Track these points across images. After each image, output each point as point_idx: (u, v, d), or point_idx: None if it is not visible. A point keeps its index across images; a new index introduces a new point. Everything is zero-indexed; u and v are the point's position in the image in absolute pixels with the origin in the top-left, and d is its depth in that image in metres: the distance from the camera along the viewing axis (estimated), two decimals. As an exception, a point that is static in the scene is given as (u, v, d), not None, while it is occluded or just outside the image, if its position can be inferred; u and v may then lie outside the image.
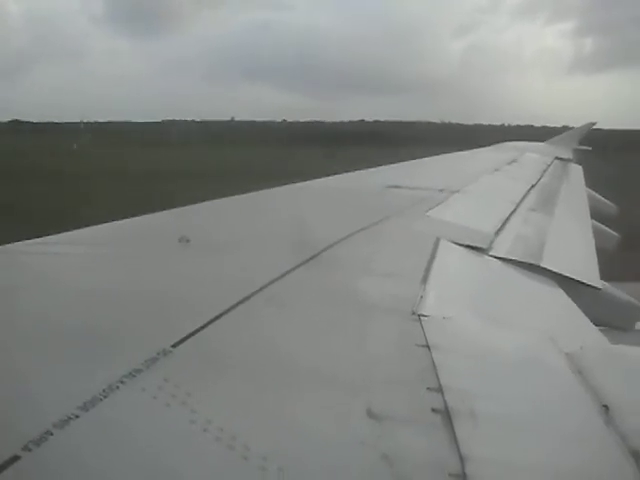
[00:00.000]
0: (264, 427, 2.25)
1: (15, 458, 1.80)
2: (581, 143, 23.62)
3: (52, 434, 1.94)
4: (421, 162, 14.68)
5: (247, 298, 3.46)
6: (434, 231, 6.13)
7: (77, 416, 2.05)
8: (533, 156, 17.70)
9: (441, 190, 8.84)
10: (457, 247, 5.79)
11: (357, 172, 11.59)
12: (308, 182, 9.88)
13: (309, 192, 9.05)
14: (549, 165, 16.10)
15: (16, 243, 4.69)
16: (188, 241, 4.59)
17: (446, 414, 2.46)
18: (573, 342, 3.55)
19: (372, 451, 2.15)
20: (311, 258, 4.51)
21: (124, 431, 2.10)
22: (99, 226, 5.47)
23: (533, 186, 11.29)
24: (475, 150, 19.24)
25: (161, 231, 5.56)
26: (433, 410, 2.49)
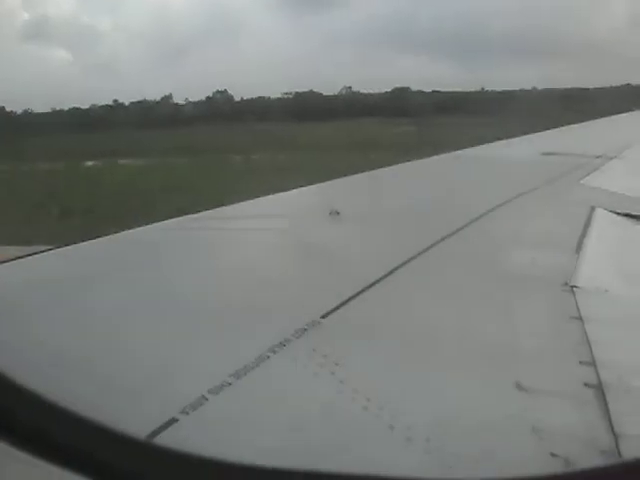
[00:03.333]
0: (411, 398, 2.26)
1: (173, 420, 1.92)
2: None
3: (207, 399, 2.05)
4: (577, 127, 14.16)
5: (396, 269, 3.48)
6: (589, 199, 5.91)
7: (230, 383, 2.15)
8: None
9: (597, 156, 8.50)
10: (614, 216, 5.56)
11: (512, 139, 11.33)
12: (463, 150, 9.76)
13: (463, 160, 8.95)
14: None
15: (179, 218, 4.94)
16: (338, 214, 4.66)
17: (599, 389, 2.39)
18: None
19: (522, 424, 2.13)
20: (462, 228, 4.47)
21: (274, 399, 2.18)
22: (252, 201, 5.64)
23: None
24: (633, 112, 18.30)
25: (312, 204, 5.66)
26: (586, 385, 2.42)
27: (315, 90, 74.85)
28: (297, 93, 74.49)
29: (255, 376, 2.23)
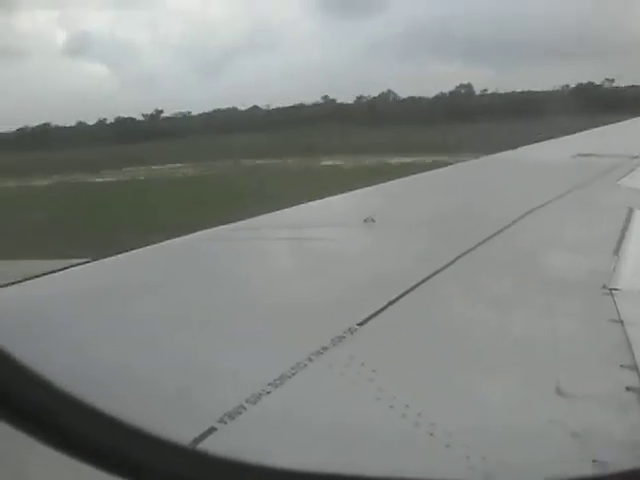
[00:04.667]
0: (450, 404, 2.26)
1: (212, 430, 1.94)
2: None
3: (245, 409, 2.07)
4: (613, 128, 13.99)
5: (433, 275, 3.48)
6: (627, 201, 5.85)
7: (268, 392, 2.17)
8: None
9: (634, 157, 8.40)
10: None
11: (547, 141, 11.24)
12: (499, 154, 9.71)
13: (500, 164, 8.91)
14: None
15: (214, 228, 5.00)
16: (373, 221, 4.67)
17: None
18: None
19: (562, 429, 2.11)
20: (500, 232, 4.45)
21: (312, 407, 2.19)
22: (287, 209, 5.66)
23: None
24: None
25: (348, 212, 5.68)
26: (628, 388, 2.40)
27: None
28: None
29: (293, 384, 2.24)
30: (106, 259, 4.20)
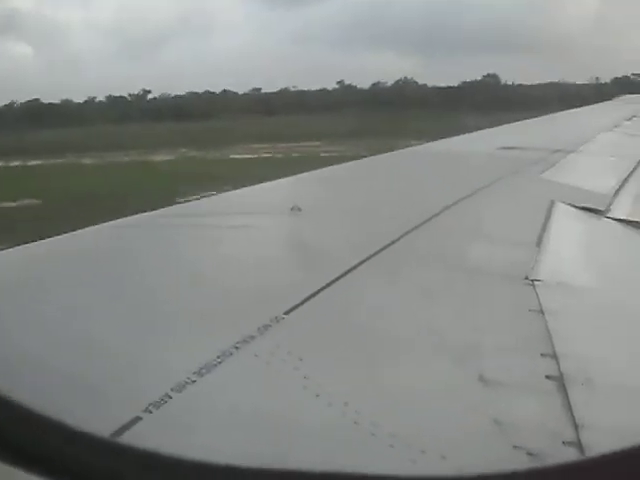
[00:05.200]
0: (375, 393, 2.26)
1: (137, 419, 1.90)
2: None
3: (171, 397, 2.03)
4: (535, 122, 14.30)
5: (358, 265, 3.48)
6: (549, 193, 5.98)
7: (194, 381, 2.13)
8: None
9: (556, 150, 8.59)
10: (573, 209, 5.63)
11: (469, 134, 11.41)
12: (420, 146, 9.79)
13: (421, 156, 8.99)
14: None
15: (139, 215, 4.90)
16: (300, 209, 4.65)
17: (561, 381, 2.41)
18: None
19: (484, 417, 2.14)
20: (422, 224, 4.48)
21: (238, 396, 2.17)
22: (211, 197, 5.61)
23: None
24: (591, 106, 18.55)
25: (274, 200, 5.65)
26: (547, 377, 2.45)
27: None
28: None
29: (219, 373, 2.21)
30: (21, 247, 4.06)
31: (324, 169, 7.42)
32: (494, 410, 2.18)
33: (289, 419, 2.06)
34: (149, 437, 1.85)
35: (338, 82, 76.73)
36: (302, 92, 76.11)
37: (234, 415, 2.05)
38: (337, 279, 3.24)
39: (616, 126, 12.46)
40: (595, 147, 9.66)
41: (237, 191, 5.92)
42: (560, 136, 10.98)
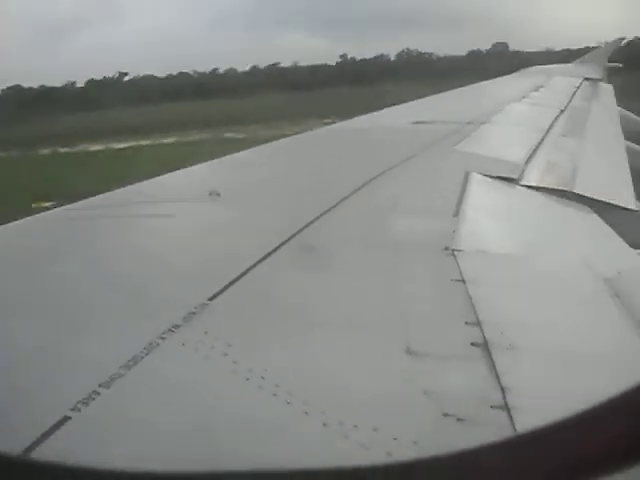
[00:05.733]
0: (305, 372, 2.27)
1: (66, 419, 1.85)
2: (611, 60, 23.00)
3: (99, 394, 1.99)
4: (445, 95, 14.49)
5: (280, 246, 3.47)
6: (463, 165, 6.07)
7: (121, 375, 2.09)
8: (560, 79, 17.35)
9: (468, 123, 8.73)
10: (488, 179, 5.73)
11: (381, 111, 11.46)
12: (332, 125, 9.80)
13: (334, 135, 9.00)
14: (578, 87, 15.79)
15: (56, 209, 4.77)
16: (218, 194, 4.60)
17: (485, 347, 2.46)
18: (611, 267, 3.52)
19: (413, 387, 2.17)
20: (341, 201, 4.50)
21: (168, 386, 2.14)
22: (127, 187, 5.49)
23: (562, 111, 11.12)
24: (500, 78, 18.90)
25: (190, 186, 5.57)
26: (472, 344, 2.49)
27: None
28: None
29: (147, 364, 2.18)
30: None
31: (242, 152, 7.36)
32: (423, 380, 2.22)
33: (221, 404, 2.05)
34: (79, 437, 1.82)
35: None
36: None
37: (164, 407, 2.02)
38: (259, 262, 3.22)
39: (524, 97, 12.72)
40: (505, 118, 9.85)
41: (155, 179, 5.79)
42: (472, 108, 11.15)
